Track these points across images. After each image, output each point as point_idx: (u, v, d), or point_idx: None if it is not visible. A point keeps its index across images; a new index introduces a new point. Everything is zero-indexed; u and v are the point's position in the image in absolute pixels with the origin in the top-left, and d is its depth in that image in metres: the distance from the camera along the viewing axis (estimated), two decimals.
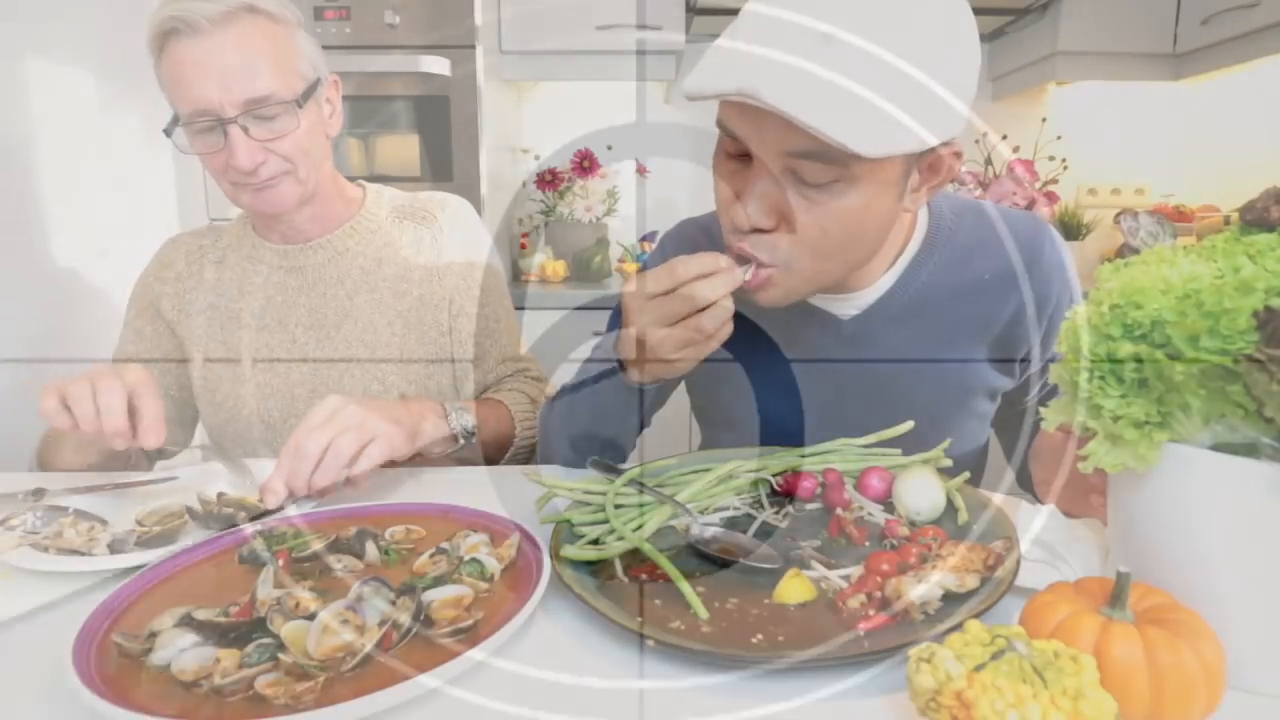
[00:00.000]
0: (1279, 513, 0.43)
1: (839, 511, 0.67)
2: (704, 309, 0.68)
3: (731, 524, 0.67)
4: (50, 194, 1.44)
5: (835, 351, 0.84)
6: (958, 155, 0.69)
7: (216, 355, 1.04)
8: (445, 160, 1.94)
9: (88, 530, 0.67)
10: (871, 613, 0.52)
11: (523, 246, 2.46)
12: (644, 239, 2.49)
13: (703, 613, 0.53)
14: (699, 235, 0.93)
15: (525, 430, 1.00)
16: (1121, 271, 0.50)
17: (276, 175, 0.93)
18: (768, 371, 0.87)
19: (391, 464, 0.81)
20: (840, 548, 0.63)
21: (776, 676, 0.48)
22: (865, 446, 0.77)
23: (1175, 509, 0.47)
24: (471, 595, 0.55)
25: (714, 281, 0.68)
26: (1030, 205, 2.20)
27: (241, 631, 0.50)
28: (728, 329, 0.71)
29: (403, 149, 1.95)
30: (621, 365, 0.78)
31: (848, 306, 0.82)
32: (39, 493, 0.77)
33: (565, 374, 0.92)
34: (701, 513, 0.68)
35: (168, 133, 0.92)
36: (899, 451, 0.76)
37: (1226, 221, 2.12)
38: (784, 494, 0.72)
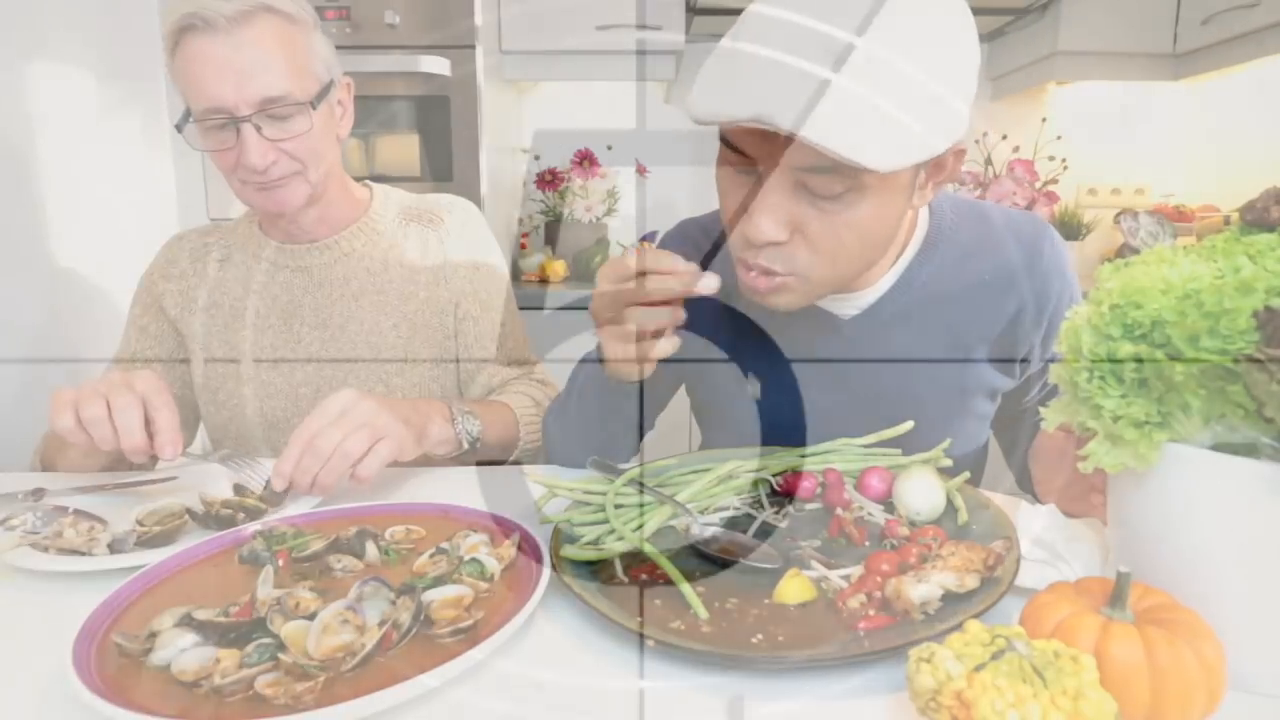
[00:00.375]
0: (1279, 513, 0.43)
1: (839, 511, 0.67)
2: (656, 306, 0.68)
3: (731, 524, 0.67)
4: (50, 194, 1.44)
5: (836, 351, 0.84)
6: (960, 152, 0.70)
7: (219, 354, 1.04)
8: (445, 160, 1.94)
9: (88, 530, 0.67)
10: (871, 613, 0.52)
11: (523, 246, 2.46)
12: (644, 239, 2.49)
13: (703, 613, 0.53)
14: (700, 236, 0.93)
15: (530, 433, 1.00)
16: (1121, 271, 0.50)
17: (286, 175, 0.94)
18: (768, 371, 0.87)
19: (394, 463, 0.81)
20: (840, 548, 0.63)
21: (776, 676, 0.48)
22: (865, 446, 0.77)
23: (1175, 509, 0.47)
24: (471, 595, 0.55)
25: (666, 280, 0.68)
26: (1030, 205, 2.20)
27: (241, 631, 0.50)
28: (670, 344, 0.71)
29: (403, 149, 1.95)
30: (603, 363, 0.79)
31: (848, 306, 0.82)
32: (39, 493, 0.77)
33: (565, 374, 0.92)
34: (701, 513, 0.68)
35: (179, 128, 0.92)
36: (899, 451, 0.76)
37: (1226, 221, 2.12)
38: (784, 494, 0.72)
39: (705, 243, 0.91)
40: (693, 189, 2.56)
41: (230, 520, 0.69)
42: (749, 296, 0.74)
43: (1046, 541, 0.60)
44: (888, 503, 0.70)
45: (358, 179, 1.11)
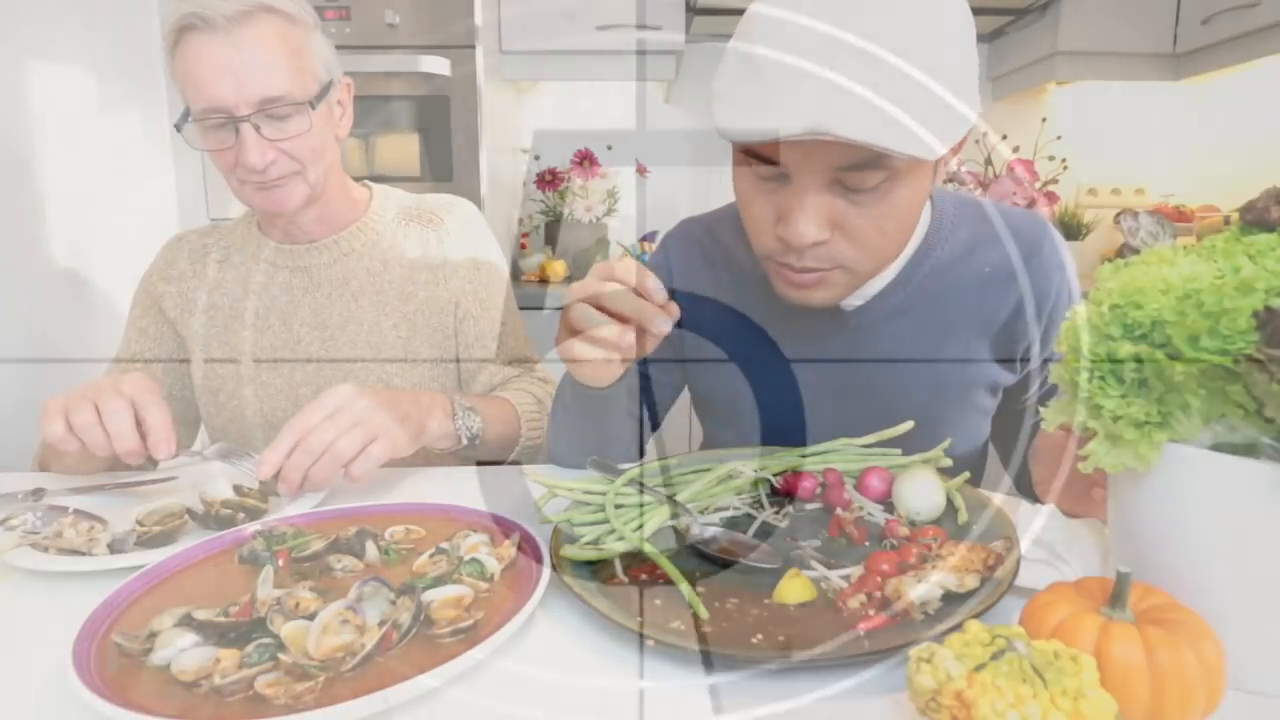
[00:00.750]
0: (1279, 513, 0.43)
1: (839, 511, 0.67)
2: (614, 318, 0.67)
3: (731, 524, 0.67)
4: (50, 194, 1.44)
5: (839, 341, 0.84)
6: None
7: (219, 355, 1.04)
8: (445, 160, 1.94)
9: (88, 530, 0.67)
10: (871, 613, 0.52)
11: (523, 246, 2.46)
12: (644, 239, 2.49)
13: (703, 613, 0.53)
14: (703, 235, 0.93)
15: (531, 430, 1.00)
16: (1121, 271, 0.50)
17: (285, 175, 0.94)
18: (768, 367, 0.87)
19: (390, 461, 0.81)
20: (840, 548, 0.63)
21: (776, 676, 0.48)
22: (865, 446, 0.77)
23: (1175, 509, 0.47)
24: (471, 595, 0.55)
25: (631, 298, 0.66)
26: (1030, 205, 2.20)
27: (241, 631, 0.50)
28: (608, 370, 0.72)
29: (403, 149, 1.95)
30: None
31: (852, 296, 0.83)
32: (39, 493, 0.77)
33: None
34: (701, 513, 0.68)
35: (178, 127, 0.92)
36: (899, 451, 0.76)
37: (1226, 221, 2.12)
38: (784, 494, 0.72)
39: (709, 242, 0.92)
40: (693, 189, 2.56)
41: (230, 520, 0.69)
42: (787, 298, 0.75)
43: (1046, 541, 0.60)
44: (888, 503, 0.70)
45: (358, 179, 1.11)
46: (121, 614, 0.54)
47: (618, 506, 0.67)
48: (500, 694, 0.47)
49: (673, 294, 0.74)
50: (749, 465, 0.74)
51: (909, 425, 0.77)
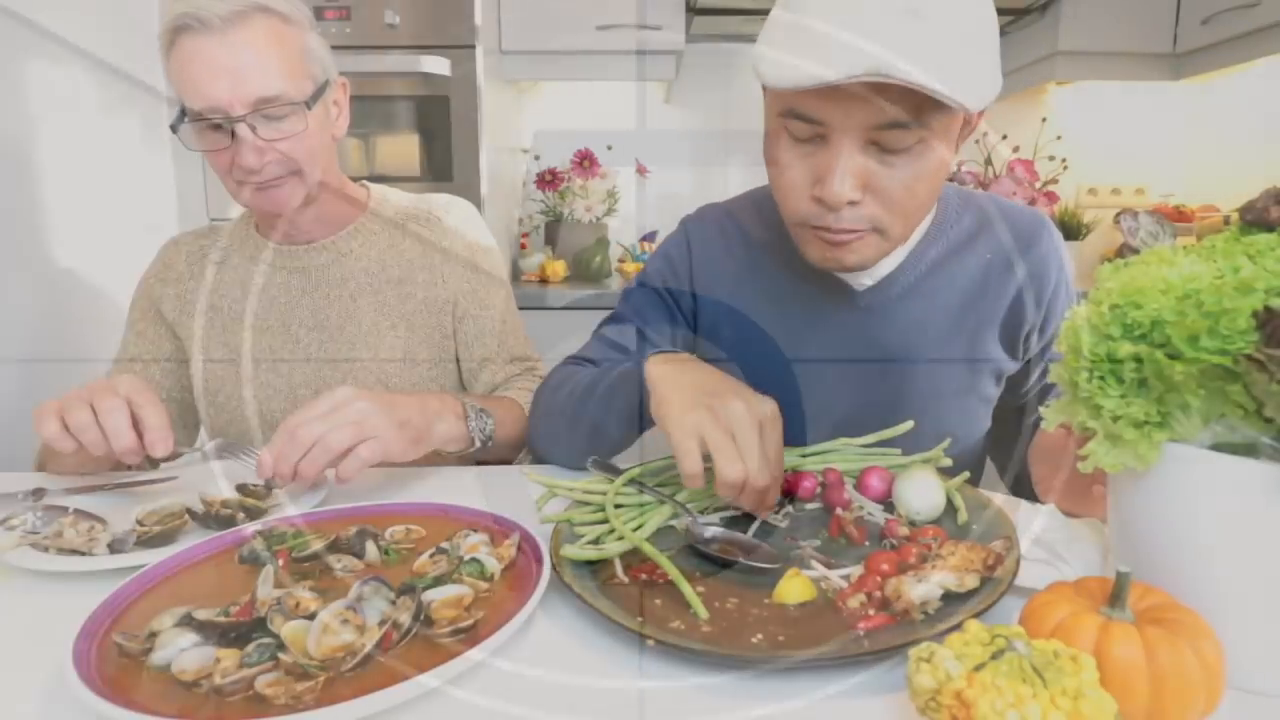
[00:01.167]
0: (1279, 513, 0.43)
1: (839, 511, 0.67)
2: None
3: (731, 524, 0.67)
4: (50, 194, 1.44)
5: (851, 321, 0.86)
6: (982, 112, 0.73)
7: (218, 356, 1.04)
8: (445, 160, 1.94)
9: (88, 530, 0.67)
10: (871, 613, 0.52)
11: (523, 246, 2.46)
12: (644, 239, 2.49)
13: (703, 613, 0.53)
14: (722, 217, 0.94)
15: None
16: (1121, 271, 0.50)
17: (282, 175, 0.93)
18: (785, 345, 0.89)
19: (394, 464, 0.81)
20: (840, 548, 0.63)
21: (776, 676, 0.48)
22: (865, 446, 0.77)
23: (1175, 509, 0.47)
24: (471, 595, 0.55)
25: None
26: (1030, 205, 2.20)
27: (241, 631, 0.50)
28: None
29: (403, 149, 1.95)
30: None
31: (864, 276, 0.84)
32: (39, 493, 0.77)
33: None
34: (701, 513, 0.68)
35: (174, 128, 0.92)
36: (899, 451, 0.76)
37: (1226, 221, 2.12)
38: (784, 494, 0.72)
39: (731, 228, 0.92)
40: (693, 189, 2.56)
41: (230, 520, 0.69)
42: (820, 263, 0.76)
43: (1046, 541, 0.60)
44: (888, 503, 0.70)
45: (357, 179, 1.11)
46: (121, 614, 0.54)
47: (618, 506, 0.67)
48: (500, 694, 0.47)
49: (691, 276, 0.74)
50: None
51: (909, 425, 0.77)
